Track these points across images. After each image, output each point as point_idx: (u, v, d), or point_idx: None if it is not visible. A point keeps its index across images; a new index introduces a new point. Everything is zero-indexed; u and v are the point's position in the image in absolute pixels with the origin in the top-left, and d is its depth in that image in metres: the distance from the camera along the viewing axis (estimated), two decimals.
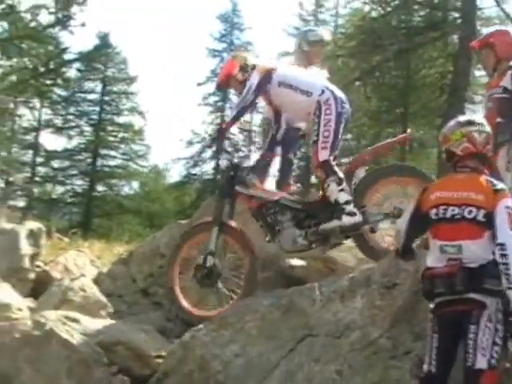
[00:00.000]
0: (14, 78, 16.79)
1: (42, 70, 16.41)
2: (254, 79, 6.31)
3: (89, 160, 41.34)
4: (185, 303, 6.34)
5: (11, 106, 24.70)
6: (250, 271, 6.19)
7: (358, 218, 6.00)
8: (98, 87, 42.58)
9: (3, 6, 15.50)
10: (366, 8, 23.51)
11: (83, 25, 16.01)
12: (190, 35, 78.11)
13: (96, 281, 7.49)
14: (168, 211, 39.46)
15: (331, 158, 6.12)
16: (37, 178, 40.67)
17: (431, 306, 4.41)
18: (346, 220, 5.99)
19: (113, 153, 42.01)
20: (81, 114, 42.28)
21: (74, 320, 5.94)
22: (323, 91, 6.26)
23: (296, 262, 6.85)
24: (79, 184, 41.83)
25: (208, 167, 42.38)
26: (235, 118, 6.44)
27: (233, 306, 6.00)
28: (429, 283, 4.39)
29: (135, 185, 42.98)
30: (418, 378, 4.42)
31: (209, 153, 40.86)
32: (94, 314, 6.44)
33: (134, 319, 6.76)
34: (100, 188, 41.53)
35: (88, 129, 42.20)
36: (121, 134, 41.71)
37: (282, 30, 43.97)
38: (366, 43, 21.69)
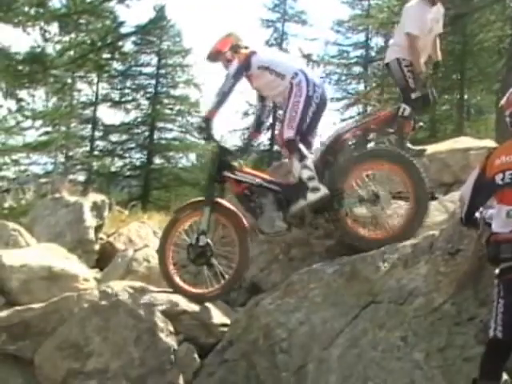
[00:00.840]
0: (72, 53, 16.96)
1: (100, 44, 16.51)
2: (232, 67, 6.39)
3: (146, 133, 41.64)
4: (180, 282, 6.39)
5: (69, 81, 24.98)
6: (242, 250, 6.25)
7: (323, 192, 5.93)
8: (154, 60, 42.75)
9: None
10: None
11: None
12: (242, 5, 77.77)
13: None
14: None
15: (297, 137, 6.11)
16: (96, 152, 41.14)
17: (496, 271, 4.37)
18: (311, 197, 5.96)
19: (169, 125, 42.21)
20: (137, 87, 42.53)
21: (140, 290, 6.04)
22: (296, 74, 6.26)
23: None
24: (137, 157, 42.22)
25: (264, 138, 42.38)
26: (217, 106, 6.38)
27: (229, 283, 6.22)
28: (494, 248, 4.34)
29: (192, 157, 43.11)
30: (484, 344, 4.40)
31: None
32: (159, 284, 6.53)
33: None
34: (158, 161, 41.82)
35: (144, 102, 42.45)
36: (177, 107, 41.84)
37: None
38: None
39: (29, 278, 6.51)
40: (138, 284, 6.18)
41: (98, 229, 8.82)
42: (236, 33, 6.77)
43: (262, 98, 6.88)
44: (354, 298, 5.26)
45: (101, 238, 9.16)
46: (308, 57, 43.74)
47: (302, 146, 6.09)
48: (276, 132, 44.34)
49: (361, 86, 39.92)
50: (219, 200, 6.38)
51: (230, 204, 6.40)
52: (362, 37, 41.77)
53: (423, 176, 5.87)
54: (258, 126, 7.05)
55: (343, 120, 41.12)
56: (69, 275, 6.58)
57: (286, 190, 6.25)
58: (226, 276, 6.29)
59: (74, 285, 6.53)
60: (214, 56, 6.72)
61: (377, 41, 39.48)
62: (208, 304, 6.12)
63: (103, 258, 8.25)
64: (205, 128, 6.35)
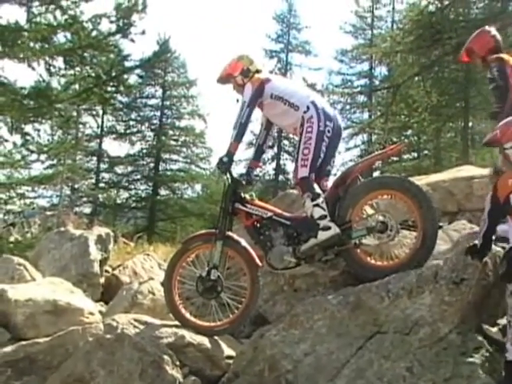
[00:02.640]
0: (76, 86, 17.06)
1: (105, 78, 16.61)
2: (247, 94, 6.36)
3: (151, 164, 41.82)
4: (187, 314, 6.36)
5: (74, 114, 25.10)
6: (253, 286, 6.24)
7: (334, 231, 5.92)
8: (159, 92, 43.06)
9: (66, 16, 15.75)
10: (423, 2, 23.15)
11: (143, 32, 16.13)
12: (246, 36, 78.32)
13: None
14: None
15: (311, 175, 6.10)
16: (101, 184, 41.29)
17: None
18: (322, 235, 5.95)
19: (175, 156, 42.40)
20: (142, 119, 42.79)
21: (145, 323, 6.04)
22: (308, 108, 6.24)
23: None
24: (143, 188, 42.38)
25: (269, 168, 42.52)
26: (238, 138, 6.34)
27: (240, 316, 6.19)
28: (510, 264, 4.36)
29: (198, 187, 43.24)
30: (504, 367, 4.39)
31: (269, 153, 40.97)
32: (164, 317, 6.54)
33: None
34: (163, 192, 41.96)
35: (150, 134, 42.72)
36: (182, 138, 42.08)
37: (338, 27, 43.69)
38: (424, 38, 21.41)
39: (34, 312, 6.52)
40: (143, 317, 6.18)
41: (103, 262, 8.83)
42: (248, 56, 6.70)
43: (267, 126, 6.81)
44: (358, 329, 5.25)
45: (106, 271, 9.17)
46: (312, 86, 44.03)
47: (315, 185, 6.07)
48: (285, 166, 44.73)
49: (365, 115, 40.09)
50: (231, 234, 6.34)
51: (240, 238, 6.37)
52: (365, 66, 42.15)
53: (432, 204, 5.88)
54: (258, 155, 6.95)
55: (348, 149, 41.42)
56: (74, 309, 6.59)
57: (297, 225, 6.23)
58: (236, 310, 6.26)
59: (79, 318, 6.53)
60: (225, 79, 6.71)
61: (380, 70, 39.74)
62: (213, 336, 6.12)
63: (108, 291, 8.26)
64: (226, 162, 6.28)
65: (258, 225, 6.31)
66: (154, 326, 6.04)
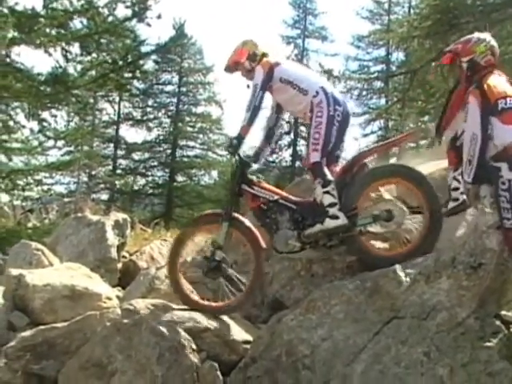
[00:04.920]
0: (93, 72, 17.07)
1: (121, 63, 16.61)
2: (259, 77, 6.35)
3: (168, 151, 41.90)
4: (190, 293, 6.43)
5: (91, 100, 25.17)
6: (257, 266, 6.25)
7: (342, 221, 5.92)
8: (175, 78, 43.06)
9: (82, 2, 15.76)
10: None
11: (159, 17, 16.09)
12: (263, 22, 78.08)
13: (181, 269, 7.59)
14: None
15: (323, 160, 6.09)
16: (118, 171, 41.43)
17: None
18: (329, 223, 5.95)
19: (191, 143, 42.44)
20: (159, 105, 42.82)
21: (162, 308, 6.04)
22: (317, 93, 6.23)
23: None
24: (159, 175, 42.49)
25: (286, 154, 42.47)
26: (250, 122, 6.32)
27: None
28: None
29: (214, 174, 43.25)
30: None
31: (286, 140, 40.93)
32: (181, 302, 6.54)
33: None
34: (180, 178, 42.05)
35: (166, 120, 42.76)
36: (199, 124, 42.10)
37: (355, 13, 43.49)
38: (441, 23, 21.21)
39: (52, 297, 6.55)
40: (160, 302, 6.18)
41: (120, 247, 8.85)
42: (252, 40, 6.70)
43: (278, 110, 6.80)
44: (376, 314, 5.24)
45: (123, 257, 9.20)
46: (329, 72, 43.89)
47: (326, 171, 6.06)
48: (302, 152, 44.62)
49: (382, 101, 39.92)
50: (237, 215, 6.35)
51: (248, 220, 6.39)
52: (382, 51, 41.87)
53: (434, 190, 5.91)
54: (268, 137, 6.91)
55: (365, 135, 41.29)
56: (92, 294, 6.62)
57: (304, 209, 6.23)
58: (241, 288, 6.37)
59: (96, 303, 6.56)
60: (233, 67, 6.71)
61: (397, 55, 39.49)
62: (230, 321, 6.13)
63: (125, 277, 8.28)
64: (235, 145, 6.31)
65: (265, 207, 6.31)
66: (172, 311, 6.05)
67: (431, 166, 7.94)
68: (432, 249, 5.60)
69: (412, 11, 34.33)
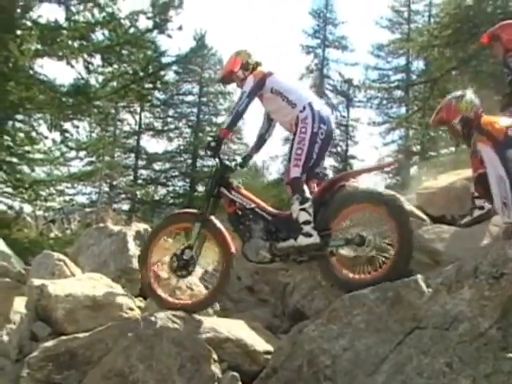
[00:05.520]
0: (114, 83, 17.17)
1: (142, 74, 16.72)
2: (248, 85, 6.42)
3: (189, 161, 42.04)
4: (159, 291, 6.57)
5: (113, 111, 25.29)
6: (224, 269, 6.37)
7: (314, 240, 5.96)
8: (196, 89, 43.30)
9: (103, 14, 15.89)
10: None
11: (180, 28, 16.21)
12: (282, 31, 78.22)
13: (202, 279, 7.61)
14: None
15: (303, 176, 6.14)
16: (139, 181, 41.59)
17: None
18: (302, 240, 6.00)
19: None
20: (179, 116, 43.04)
21: (183, 318, 6.05)
22: (304, 108, 6.27)
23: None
24: (180, 185, 42.65)
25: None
26: (231, 125, 6.48)
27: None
28: None
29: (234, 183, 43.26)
30: None
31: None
32: (202, 312, 6.55)
33: (241, 316, 6.84)
34: (200, 188, 42.06)
35: (187, 130, 42.96)
36: None
37: (374, 22, 43.49)
38: (461, 31, 21.19)
39: (74, 307, 6.58)
40: (181, 312, 6.19)
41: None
42: (245, 50, 6.80)
43: (269, 119, 6.90)
44: (397, 324, 5.21)
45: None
46: (349, 82, 43.91)
47: (305, 188, 6.11)
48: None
49: (402, 110, 39.86)
50: (211, 218, 6.43)
51: (222, 224, 6.47)
52: (402, 60, 41.87)
53: (408, 217, 5.99)
54: (259, 145, 7.11)
55: (385, 144, 41.23)
56: (113, 304, 6.64)
57: (279, 222, 6.29)
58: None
59: (118, 314, 6.58)
60: (227, 78, 6.84)
61: (417, 64, 39.43)
62: (251, 331, 6.14)
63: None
64: (214, 147, 6.41)
65: (240, 213, 6.38)
66: (193, 321, 6.07)
67: (452, 175, 7.91)
68: (400, 276, 5.55)
69: (432, 20, 34.24)
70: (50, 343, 6.20)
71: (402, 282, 5.46)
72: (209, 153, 6.45)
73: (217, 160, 6.53)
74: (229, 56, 6.79)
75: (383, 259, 5.87)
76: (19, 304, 6.74)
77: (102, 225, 9.90)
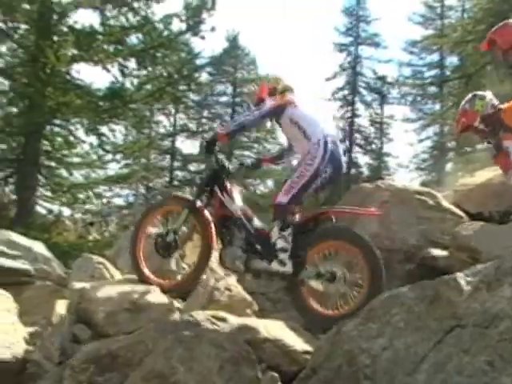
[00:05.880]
0: (149, 86, 17.31)
1: (176, 76, 16.85)
2: (265, 107, 6.48)
3: None
4: (145, 269, 6.91)
5: (148, 113, 25.47)
6: (201, 257, 6.66)
7: (287, 269, 6.07)
8: (229, 89, 43.35)
9: (138, 18, 16.04)
10: None
11: (213, 29, 16.37)
12: (315, 30, 78.05)
13: (240, 280, 7.63)
14: (303, 207, 39.56)
15: (289, 206, 6.19)
16: (175, 182, 41.75)
17: None
18: (275, 266, 6.12)
19: (247, 152, 42.62)
20: (214, 116, 43.18)
21: (222, 319, 6.08)
22: (318, 143, 6.29)
23: (438, 252, 6.78)
24: None
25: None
26: (230, 134, 6.57)
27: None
28: None
29: (270, 183, 43.32)
30: None
31: (342, 147, 40.78)
32: (240, 313, 6.58)
33: (279, 316, 6.85)
34: None
35: None
36: (254, 134, 42.21)
37: (407, 18, 43.25)
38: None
39: (114, 309, 6.63)
40: (220, 313, 6.22)
41: (179, 259, 8.90)
42: (276, 77, 7.02)
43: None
44: (437, 323, 5.18)
45: (182, 268, 9.25)
46: (383, 79, 43.67)
47: (288, 216, 6.19)
48: (358, 159, 44.62)
49: (437, 106, 39.56)
50: (202, 207, 6.55)
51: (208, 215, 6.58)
52: (436, 56, 41.52)
53: (380, 262, 6.00)
54: (277, 156, 7.36)
55: (420, 141, 40.95)
56: (153, 306, 6.68)
57: (258, 238, 6.33)
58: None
59: (158, 315, 6.62)
60: (259, 103, 6.81)
61: (451, 60, 39.11)
62: (290, 331, 6.15)
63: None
64: (207, 147, 6.54)
65: (226, 217, 6.46)
66: (231, 322, 6.09)
67: (490, 171, 7.86)
68: None
69: (465, 15, 33.93)
70: (91, 346, 6.26)
71: (440, 279, 5.43)
72: (204, 151, 6.54)
73: (213, 158, 6.62)
74: (259, 83, 6.94)
75: (353, 294, 6.01)
76: (61, 307, 6.83)
77: None
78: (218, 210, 6.51)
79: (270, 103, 6.49)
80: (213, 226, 6.52)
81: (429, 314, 5.24)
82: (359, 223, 7.20)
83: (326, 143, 6.31)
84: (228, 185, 6.58)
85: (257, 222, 6.50)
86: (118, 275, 8.10)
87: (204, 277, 7.04)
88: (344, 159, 6.65)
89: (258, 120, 6.50)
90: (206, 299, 6.95)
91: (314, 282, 6.13)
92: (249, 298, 7.02)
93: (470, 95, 6.42)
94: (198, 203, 6.55)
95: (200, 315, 6.13)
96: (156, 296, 6.83)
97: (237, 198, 6.57)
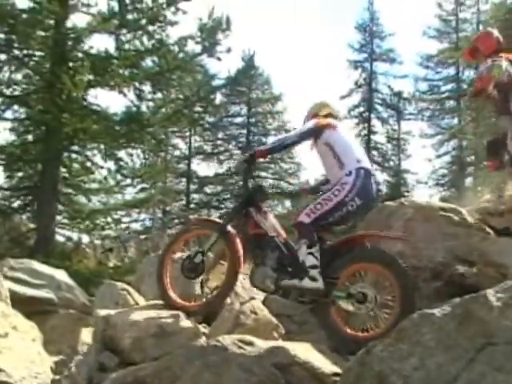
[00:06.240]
0: (165, 109, 17.37)
1: (193, 99, 16.91)
2: (310, 124, 6.52)
3: (240, 183, 42.08)
4: (171, 293, 6.91)
5: (164, 137, 25.58)
6: (227, 280, 6.68)
7: (319, 285, 6.05)
8: (244, 110, 43.48)
9: (153, 41, 16.12)
10: (509, 0, 22.70)
11: (229, 50, 16.42)
12: (328, 47, 78.30)
13: (265, 302, 7.58)
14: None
15: (311, 226, 6.20)
16: (192, 205, 41.83)
17: None
18: (306, 283, 6.09)
19: (263, 173, 42.62)
20: (229, 138, 43.30)
21: (249, 343, 6.02)
22: (350, 173, 6.27)
23: (467, 269, 6.71)
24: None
25: None
26: (269, 151, 6.57)
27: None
28: None
29: (287, 203, 43.31)
30: None
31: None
32: (267, 336, 6.52)
33: (306, 338, 6.79)
34: None
35: (237, 152, 43.06)
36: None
37: (422, 32, 43.27)
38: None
39: (140, 336, 6.58)
40: (246, 337, 6.17)
41: (203, 283, 8.87)
42: (321, 102, 6.97)
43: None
44: (468, 341, 5.10)
45: (206, 293, 9.22)
46: (399, 95, 43.66)
47: (313, 233, 6.18)
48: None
49: (455, 121, 39.48)
50: (232, 231, 6.54)
51: (239, 241, 6.56)
52: (452, 70, 41.51)
53: (413, 285, 6.02)
54: (314, 187, 7.44)
55: (438, 156, 40.80)
56: (178, 331, 6.63)
57: (290, 258, 6.33)
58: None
59: (184, 341, 6.57)
60: None
61: (468, 73, 39.03)
62: (318, 354, 6.08)
63: (210, 313, 8.29)
64: (247, 166, 6.53)
65: (260, 237, 6.43)
66: (259, 345, 6.02)
67: None
68: None
69: (481, 27, 33.90)
70: (118, 373, 6.21)
71: (470, 297, 5.36)
72: (239, 171, 6.69)
73: (248, 179, 6.69)
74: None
75: (384, 316, 5.97)
76: (86, 335, 6.80)
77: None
78: (252, 229, 6.48)
79: (311, 123, 6.52)
80: (242, 250, 6.50)
81: (459, 333, 5.16)
82: (384, 242, 7.13)
83: (357, 176, 6.28)
84: (263, 206, 6.58)
85: (291, 243, 6.48)
86: (141, 301, 8.07)
87: (228, 301, 6.99)
88: (376, 191, 6.60)
89: (297, 139, 6.46)
90: (231, 323, 6.90)
91: (345, 303, 6.09)
92: (274, 320, 6.95)
93: (490, 62, 6.65)
94: (229, 227, 6.54)
95: (227, 339, 6.07)
96: (182, 321, 6.79)
97: (271, 219, 6.55)
